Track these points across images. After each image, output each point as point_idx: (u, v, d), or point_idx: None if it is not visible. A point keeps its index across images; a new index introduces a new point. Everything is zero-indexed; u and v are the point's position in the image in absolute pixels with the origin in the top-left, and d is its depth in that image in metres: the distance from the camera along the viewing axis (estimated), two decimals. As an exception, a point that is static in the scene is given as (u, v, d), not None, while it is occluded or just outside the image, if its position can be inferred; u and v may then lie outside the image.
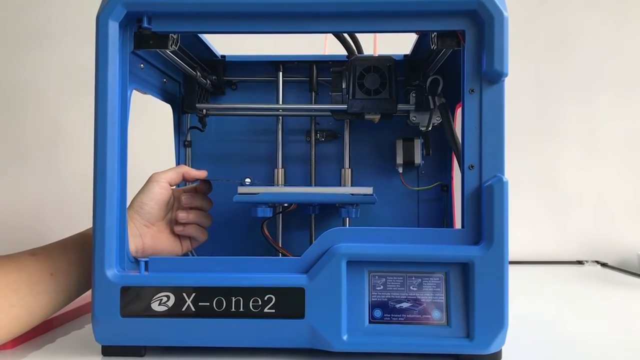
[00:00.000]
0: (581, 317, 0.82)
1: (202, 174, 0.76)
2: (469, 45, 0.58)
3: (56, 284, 0.63)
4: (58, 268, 0.63)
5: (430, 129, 0.81)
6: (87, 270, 0.63)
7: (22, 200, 1.36)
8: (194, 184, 0.80)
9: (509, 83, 0.59)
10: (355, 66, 0.77)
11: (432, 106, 0.78)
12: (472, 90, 0.58)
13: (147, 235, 0.71)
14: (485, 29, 0.57)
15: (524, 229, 1.33)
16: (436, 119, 0.79)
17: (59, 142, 1.36)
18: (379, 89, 0.77)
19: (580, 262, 1.31)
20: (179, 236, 0.75)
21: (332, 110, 0.81)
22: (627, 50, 1.36)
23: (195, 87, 0.83)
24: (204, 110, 0.86)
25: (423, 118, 0.80)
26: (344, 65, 0.82)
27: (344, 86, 0.80)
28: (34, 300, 0.60)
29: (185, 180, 0.76)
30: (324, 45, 0.93)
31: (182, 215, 0.74)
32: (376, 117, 0.80)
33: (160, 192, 0.71)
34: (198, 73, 0.80)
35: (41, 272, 0.62)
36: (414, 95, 0.81)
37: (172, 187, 0.74)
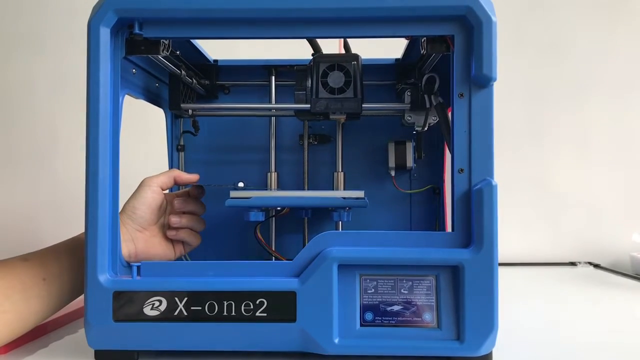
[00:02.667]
0: (573, 319, 0.82)
1: (193, 177, 0.76)
2: (458, 50, 0.59)
3: (49, 289, 0.63)
4: (50, 273, 0.63)
5: (426, 129, 0.80)
6: (79, 275, 0.64)
7: (15, 205, 1.36)
8: (187, 188, 0.80)
9: (500, 86, 0.59)
10: (318, 64, 0.75)
11: (428, 105, 0.76)
12: (462, 95, 0.59)
13: (139, 239, 0.71)
14: (474, 34, 0.58)
15: (518, 230, 1.34)
16: (432, 119, 0.78)
17: (53, 147, 1.36)
18: (343, 87, 0.74)
19: (573, 264, 1.31)
20: (172, 241, 0.75)
21: (296, 110, 0.79)
22: (619, 52, 1.37)
23: (180, 86, 0.82)
24: (190, 111, 0.84)
25: (418, 118, 0.80)
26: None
27: (308, 85, 0.76)
28: (27, 306, 0.60)
29: (177, 184, 0.76)
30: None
31: (174, 220, 0.74)
32: (342, 117, 0.77)
33: (152, 197, 0.72)
34: (183, 72, 0.80)
35: (33, 277, 0.62)
36: (409, 94, 0.79)
37: (164, 192, 0.74)
